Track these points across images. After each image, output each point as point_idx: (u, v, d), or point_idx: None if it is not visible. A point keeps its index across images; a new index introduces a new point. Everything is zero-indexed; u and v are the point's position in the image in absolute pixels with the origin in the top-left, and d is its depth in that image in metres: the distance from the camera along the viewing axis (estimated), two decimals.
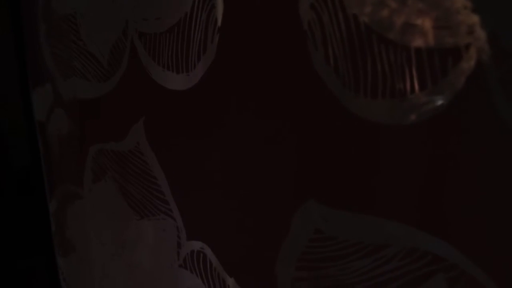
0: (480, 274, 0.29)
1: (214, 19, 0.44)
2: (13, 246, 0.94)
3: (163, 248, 0.58)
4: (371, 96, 0.33)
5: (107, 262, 0.71)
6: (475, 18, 0.27)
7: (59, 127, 0.78)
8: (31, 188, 0.93)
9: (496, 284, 0.29)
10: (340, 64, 0.34)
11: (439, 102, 0.30)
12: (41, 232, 0.93)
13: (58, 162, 0.82)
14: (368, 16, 0.32)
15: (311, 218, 0.39)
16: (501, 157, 0.28)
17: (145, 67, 0.54)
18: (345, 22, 0.33)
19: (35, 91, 0.85)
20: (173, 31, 0.49)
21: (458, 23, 0.28)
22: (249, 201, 0.45)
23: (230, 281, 0.48)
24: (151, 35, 0.53)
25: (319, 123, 0.37)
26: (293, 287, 0.41)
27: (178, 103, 0.51)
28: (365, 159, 0.34)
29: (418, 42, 0.30)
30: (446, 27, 0.28)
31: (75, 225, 0.81)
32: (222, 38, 0.43)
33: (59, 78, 0.74)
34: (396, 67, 0.31)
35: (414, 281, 0.33)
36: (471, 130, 0.29)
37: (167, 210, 0.57)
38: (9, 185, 0.94)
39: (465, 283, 0.30)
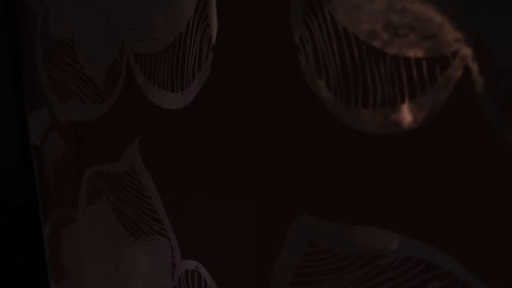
0: (474, 280, 0.29)
1: (209, 37, 0.45)
2: (6, 275, 0.93)
3: (158, 269, 0.58)
4: (362, 106, 0.33)
5: (100, 285, 0.70)
6: (467, 51, 0.28)
7: (54, 150, 0.78)
8: (26, 215, 0.92)
9: None
10: (331, 76, 0.34)
11: (430, 110, 0.30)
12: (35, 259, 0.91)
13: (53, 185, 0.82)
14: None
15: (305, 232, 0.39)
16: (492, 163, 0.28)
17: (140, 88, 0.55)
18: (336, 35, 0.34)
19: (31, 115, 0.86)
20: (168, 51, 0.50)
21: (450, 53, 0.28)
22: (243, 217, 0.45)
23: None
24: (146, 56, 0.53)
25: (311, 135, 0.37)
26: None
27: (173, 122, 0.52)
28: (357, 169, 0.35)
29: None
30: (438, 57, 0.29)
31: (69, 249, 0.80)
32: (216, 55, 0.44)
33: (55, 101, 0.75)
34: (385, 77, 0.32)
35: None
36: (461, 137, 0.29)
37: (161, 230, 0.56)
38: (3, 213, 0.93)
39: None
